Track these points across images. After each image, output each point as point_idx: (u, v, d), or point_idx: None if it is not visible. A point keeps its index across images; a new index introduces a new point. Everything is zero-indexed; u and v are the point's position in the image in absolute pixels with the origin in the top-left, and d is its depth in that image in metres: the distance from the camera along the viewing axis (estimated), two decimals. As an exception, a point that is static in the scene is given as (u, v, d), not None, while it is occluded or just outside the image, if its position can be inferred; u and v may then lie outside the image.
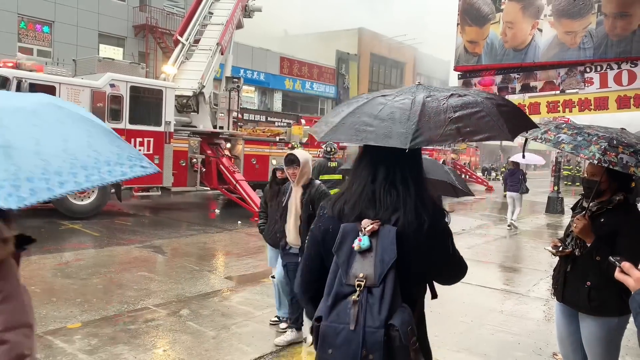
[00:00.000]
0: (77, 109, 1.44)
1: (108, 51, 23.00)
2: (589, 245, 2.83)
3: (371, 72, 39.41)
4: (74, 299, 5.49)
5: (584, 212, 2.90)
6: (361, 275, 1.57)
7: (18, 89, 9.33)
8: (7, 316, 1.42)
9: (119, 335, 4.55)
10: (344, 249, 1.63)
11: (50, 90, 9.92)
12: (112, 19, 23.17)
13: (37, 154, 1.10)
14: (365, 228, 1.61)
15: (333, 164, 9.55)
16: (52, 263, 6.99)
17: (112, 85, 10.69)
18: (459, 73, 4.67)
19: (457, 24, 4.53)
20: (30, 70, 9.85)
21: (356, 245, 1.60)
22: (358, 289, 1.56)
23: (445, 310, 5.05)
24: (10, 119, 1.16)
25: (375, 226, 1.61)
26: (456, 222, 12.78)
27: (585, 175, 2.98)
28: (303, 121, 17.86)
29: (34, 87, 9.62)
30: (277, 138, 15.37)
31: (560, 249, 3.03)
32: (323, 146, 9.96)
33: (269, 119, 28.95)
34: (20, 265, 1.51)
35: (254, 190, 12.26)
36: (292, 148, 11.35)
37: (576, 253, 2.95)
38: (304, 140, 15.96)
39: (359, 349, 1.51)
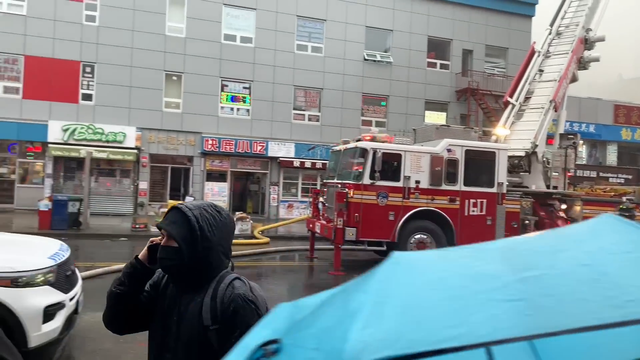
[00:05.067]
0: None
1: (432, 116, 24.94)
2: None
3: None
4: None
5: None
6: None
7: (373, 157, 10.96)
8: None
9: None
10: None
11: (397, 157, 11.30)
12: (436, 87, 25.19)
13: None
14: None
15: None
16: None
17: (448, 150, 11.41)
18: None
19: None
20: (383, 142, 11.43)
21: None
22: None
23: None
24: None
25: None
26: None
27: None
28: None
29: (384, 156, 11.11)
30: (624, 198, 13.35)
31: None
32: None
33: (600, 174, 25.63)
34: None
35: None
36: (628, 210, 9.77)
37: None
38: (660, 200, 13.40)
39: None
